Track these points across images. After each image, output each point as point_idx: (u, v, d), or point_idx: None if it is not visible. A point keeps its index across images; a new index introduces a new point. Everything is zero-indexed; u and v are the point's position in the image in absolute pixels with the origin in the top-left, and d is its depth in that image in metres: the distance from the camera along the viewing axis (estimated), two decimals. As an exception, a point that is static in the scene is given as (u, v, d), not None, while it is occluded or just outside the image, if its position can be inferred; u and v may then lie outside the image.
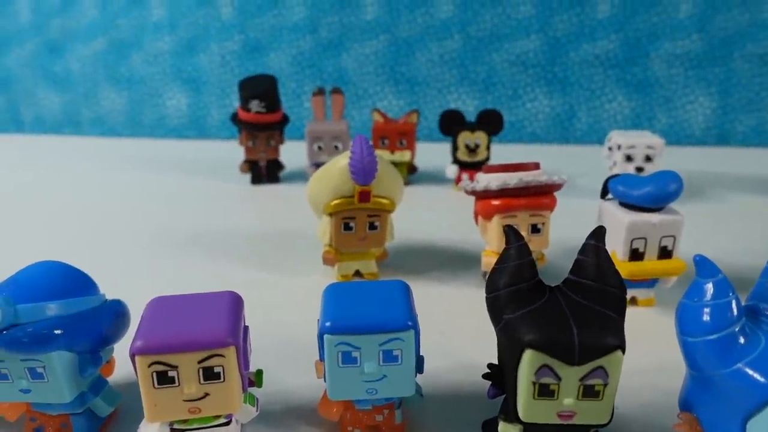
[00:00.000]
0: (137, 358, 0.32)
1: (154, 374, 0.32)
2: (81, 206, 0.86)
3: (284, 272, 0.63)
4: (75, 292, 0.36)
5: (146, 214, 0.82)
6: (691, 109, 1.21)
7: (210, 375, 0.33)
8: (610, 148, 0.88)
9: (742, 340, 0.30)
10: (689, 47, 1.18)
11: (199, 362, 0.33)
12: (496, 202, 0.54)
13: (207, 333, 0.33)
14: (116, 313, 0.39)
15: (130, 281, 0.60)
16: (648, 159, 0.84)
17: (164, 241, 0.72)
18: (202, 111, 1.28)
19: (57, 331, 0.34)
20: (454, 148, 0.89)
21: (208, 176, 0.99)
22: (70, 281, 0.37)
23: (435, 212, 0.83)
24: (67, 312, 0.35)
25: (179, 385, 0.33)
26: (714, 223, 0.78)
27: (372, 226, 0.58)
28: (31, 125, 1.35)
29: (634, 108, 1.22)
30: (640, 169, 0.83)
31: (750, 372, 0.29)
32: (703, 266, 0.32)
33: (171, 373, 0.33)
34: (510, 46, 1.20)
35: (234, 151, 0.96)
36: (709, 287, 0.31)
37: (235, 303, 0.37)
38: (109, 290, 0.41)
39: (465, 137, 0.88)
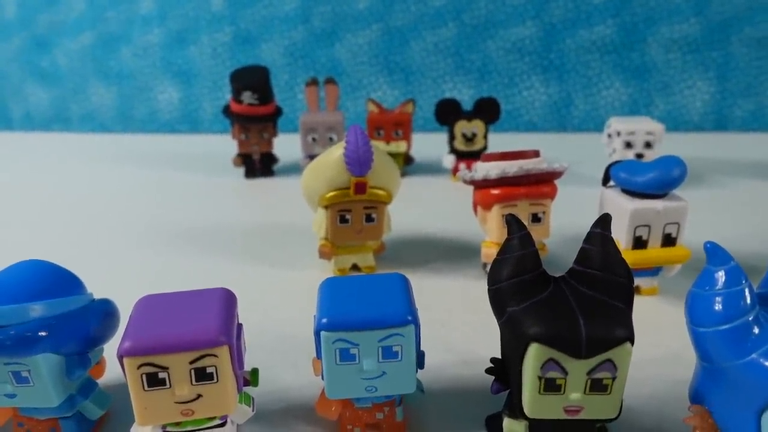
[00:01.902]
0: (125, 360, 0.31)
1: (144, 376, 0.31)
2: (71, 203, 0.84)
3: (280, 267, 0.62)
4: (60, 292, 0.35)
5: (138, 210, 0.81)
6: (689, 94, 1.20)
7: (202, 376, 0.32)
8: (609, 135, 0.86)
9: (756, 330, 0.29)
10: (687, 31, 1.16)
11: (191, 363, 0.31)
12: (495, 192, 0.53)
13: (198, 332, 0.31)
14: (105, 312, 0.37)
15: (121, 279, 0.59)
16: (648, 145, 0.82)
17: (156, 238, 0.71)
18: (194, 105, 1.26)
19: (42, 333, 0.33)
20: (451, 138, 0.88)
21: (201, 171, 0.97)
22: (55, 281, 0.36)
23: (432, 203, 0.82)
24: (53, 313, 0.34)
25: (170, 386, 0.31)
26: (714, 209, 0.77)
27: (369, 219, 0.56)
28: (20, 122, 1.33)
29: (631, 94, 1.21)
30: (639, 156, 0.82)
31: (765, 363, 0.28)
32: (715, 254, 0.31)
33: (161, 375, 0.31)
34: (505, 33, 1.19)
35: (227, 145, 0.95)
36: (721, 275, 0.30)
37: (227, 300, 0.35)
38: (99, 289, 0.39)
39: (462, 126, 0.87)
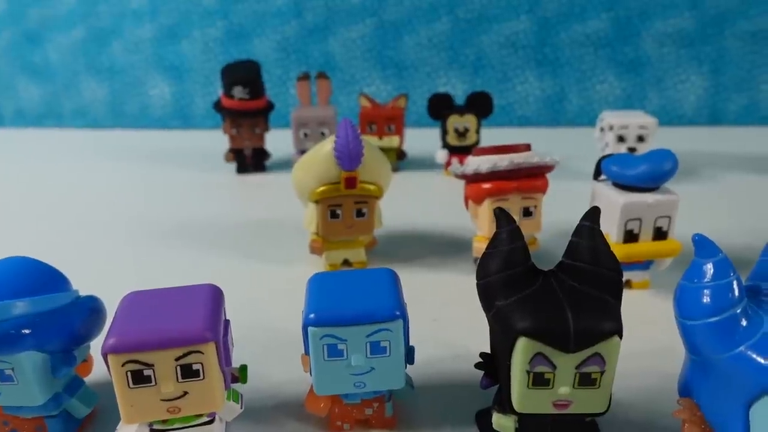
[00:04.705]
0: (110, 357, 0.30)
1: (129, 373, 0.31)
2: (61, 199, 0.83)
3: (271, 263, 0.62)
4: (44, 289, 0.35)
5: (128, 206, 0.80)
6: (683, 88, 1.20)
7: (188, 372, 0.31)
8: (602, 129, 0.86)
9: (744, 323, 0.29)
10: (681, 25, 1.16)
11: (176, 359, 0.31)
12: (486, 186, 0.53)
13: (183, 328, 0.31)
14: (90, 309, 0.37)
15: (109, 276, 0.58)
16: (641, 139, 0.82)
17: (147, 234, 0.70)
18: (186, 100, 1.25)
19: (25, 331, 0.32)
20: (444, 133, 0.88)
21: (193, 166, 0.97)
22: (38, 277, 0.35)
23: (425, 198, 0.82)
24: (36, 310, 0.33)
25: (156, 384, 0.31)
26: (707, 203, 0.77)
27: (359, 213, 0.56)
28: (12, 118, 1.32)
29: (625, 89, 1.20)
30: (632, 150, 0.82)
31: (753, 355, 0.28)
32: (703, 246, 0.30)
33: (147, 372, 0.31)
34: (499, 28, 1.18)
35: (219, 141, 0.94)
36: (709, 267, 0.30)
37: (214, 296, 0.35)
38: (86, 286, 0.39)
39: (454, 121, 0.86)
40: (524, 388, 0.31)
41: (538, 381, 0.31)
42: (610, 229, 0.51)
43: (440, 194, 0.83)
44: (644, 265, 0.54)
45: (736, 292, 0.29)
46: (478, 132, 0.87)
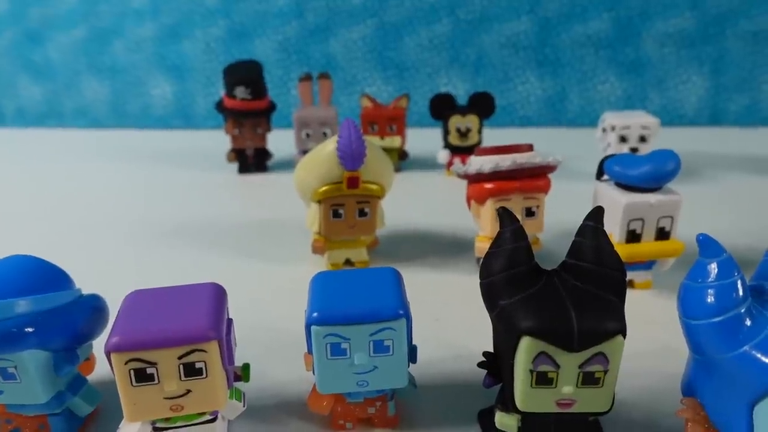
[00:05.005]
0: (113, 356, 0.30)
1: (132, 372, 0.31)
2: (62, 199, 0.83)
3: (273, 262, 0.62)
4: (47, 288, 0.35)
5: (130, 205, 0.80)
6: (684, 89, 1.20)
7: (191, 371, 0.31)
8: (604, 129, 0.86)
9: (748, 322, 0.29)
10: (682, 26, 1.16)
11: (179, 358, 0.31)
12: (488, 186, 0.53)
13: (187, 327, 0.31)
14: (93, 308, 0.37)
15: (112, 275, 0.58)
16: (642, 139, 0.82)
17: (149, 233, 0.70)
18: (188, 100, 1.25)
19: (28, 329, 0.32)
20: (445, 133, 0.88)
21: (195, 166, 0.97)
22: (41, 276, 0.35)
23: (427, 198, 0.82)
24: (39, 308, 0.34)
25: (159, 382, 0.31)
26: (708, 203, 0.77)
27: (362, 213, 0.56)
28: (13, 118, 1.32)
29: (626, 89, 1.20)
30: (634, 150, 0.82)
31: (757, 355, 0.28)
32: (707, 245, 0.30)
33: (150, 371, 0.31)
34: (500, 28, 1.18)
35: (221, 141, 0.94)
36: (713, 267, 0.30)
37: (217, 295, 0.35)
38: (89, 285, 0.39)
39: (456, 121, 0.86)
40: (527, 387, 0.31)
41: (542, 380, 0.31)
42: (613, 228, 0.51)
43: (442, 194, 0.83)
44: (647, 265, 0.54)
45: (740, 292, 0.29)
46: (480, 132, 0.87)
